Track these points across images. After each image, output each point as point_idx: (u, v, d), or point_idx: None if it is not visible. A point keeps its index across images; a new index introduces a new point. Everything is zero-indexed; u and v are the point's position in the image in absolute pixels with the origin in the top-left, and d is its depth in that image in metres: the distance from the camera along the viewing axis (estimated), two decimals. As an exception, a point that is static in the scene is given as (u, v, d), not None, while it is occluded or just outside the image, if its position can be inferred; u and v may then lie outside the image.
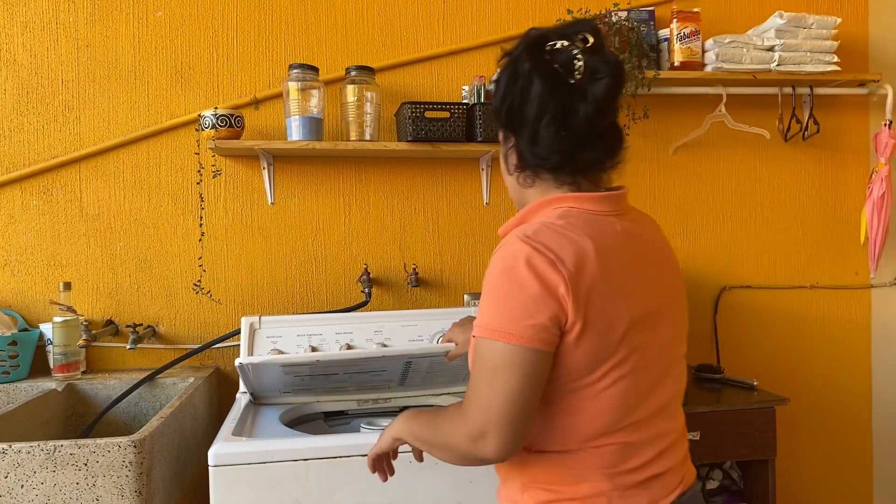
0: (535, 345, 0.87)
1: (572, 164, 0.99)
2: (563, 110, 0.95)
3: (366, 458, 1.12)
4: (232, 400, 1.77)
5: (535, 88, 0.95)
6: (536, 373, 0.88)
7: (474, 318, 0.98)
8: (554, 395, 0.93)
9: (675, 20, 2.10)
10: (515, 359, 0.87)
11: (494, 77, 1.05)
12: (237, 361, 1.50)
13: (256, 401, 1.70)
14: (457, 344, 1.42)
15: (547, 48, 0.97)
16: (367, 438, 1.39)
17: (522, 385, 0.87)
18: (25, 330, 1.89)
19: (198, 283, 2.02)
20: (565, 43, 0.96)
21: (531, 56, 0.97)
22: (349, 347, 1.75)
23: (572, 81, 0.94)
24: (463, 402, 0.93)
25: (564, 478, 0.95)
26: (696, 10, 2.12)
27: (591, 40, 0.96)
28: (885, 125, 2.20)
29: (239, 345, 1.86)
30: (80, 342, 1.76)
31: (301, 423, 1.65)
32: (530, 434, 0.94)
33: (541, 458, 0.97)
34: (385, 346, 1.76)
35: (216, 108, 1.88)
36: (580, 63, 0.94)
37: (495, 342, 0.88)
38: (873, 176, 2.23)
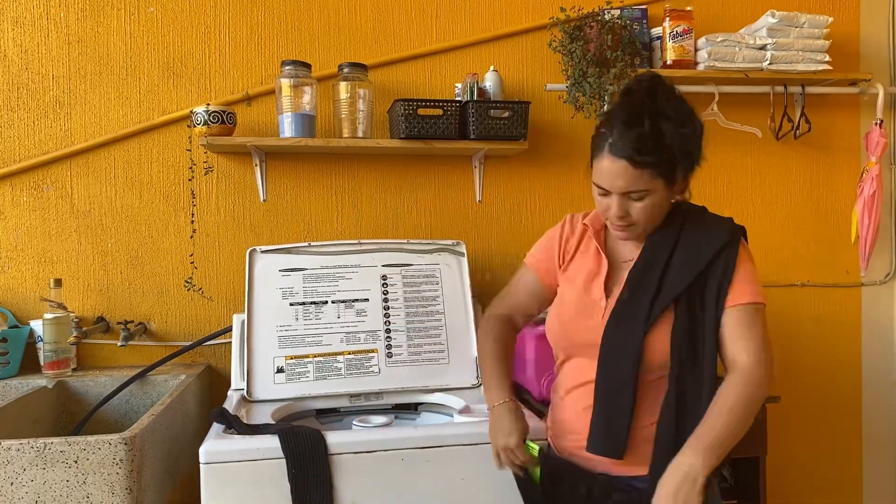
0: None
1: None
2: None
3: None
4: (223, 397, 1.77)
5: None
6: None
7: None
8: None
9: (667, 18, 2.10)
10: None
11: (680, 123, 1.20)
12: None
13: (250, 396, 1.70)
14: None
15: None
16: (359, 436, 1.39)
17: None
18: (15, 327, 1.88)
19: (189, 280, 2.01)
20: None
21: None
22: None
23: None
24: (752, 358, 1.22)
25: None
26: (688, 8, 2.12)
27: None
28: (876, 124, 2.22)
29: (230, 342, 1.86)
30: (71, 339, 1.76)
31: (293, 420, 1.65)
32: None
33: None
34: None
35: (208, 104, 1.87)
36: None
37: (762, 306, 1.26)
38: (864, 175, 2.25)
